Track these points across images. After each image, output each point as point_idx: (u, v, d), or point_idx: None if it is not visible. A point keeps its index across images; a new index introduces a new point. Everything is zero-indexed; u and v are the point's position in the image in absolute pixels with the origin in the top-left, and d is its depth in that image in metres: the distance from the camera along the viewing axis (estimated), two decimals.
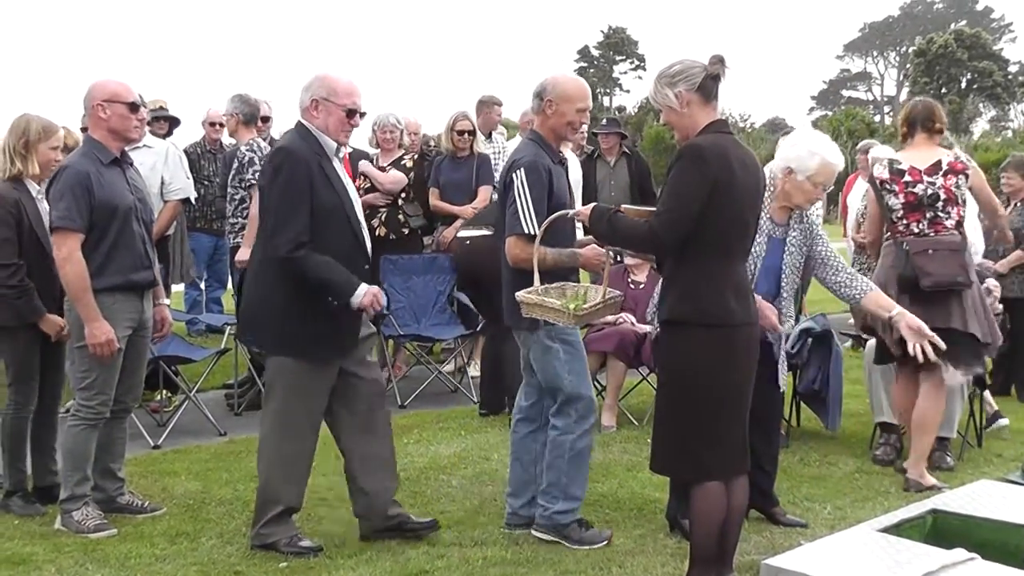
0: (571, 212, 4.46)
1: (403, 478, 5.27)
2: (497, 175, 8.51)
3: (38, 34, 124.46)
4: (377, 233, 8.60)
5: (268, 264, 4.58)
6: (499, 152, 8.88)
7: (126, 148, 6.21)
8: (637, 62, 73.44)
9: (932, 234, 5.80)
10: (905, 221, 5.86)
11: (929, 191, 5.83)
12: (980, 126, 56.84)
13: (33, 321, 5.13)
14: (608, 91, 72.35)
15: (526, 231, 4.60)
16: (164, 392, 7.48)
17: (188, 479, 5.77)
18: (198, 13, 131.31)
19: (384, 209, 8.55)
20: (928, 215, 5.83)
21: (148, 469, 5.96)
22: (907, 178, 5.87)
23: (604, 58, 73.53)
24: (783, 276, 5.02)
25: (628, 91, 72.38)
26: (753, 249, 4.85)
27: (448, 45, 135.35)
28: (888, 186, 5.92)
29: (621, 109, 61.37)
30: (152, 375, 7.27)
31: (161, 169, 7.46)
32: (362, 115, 4.75)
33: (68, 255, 4.74)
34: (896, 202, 5.88)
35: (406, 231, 8.53)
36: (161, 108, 8.89)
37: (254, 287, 4.70)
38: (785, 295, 5.06)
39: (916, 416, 5.86)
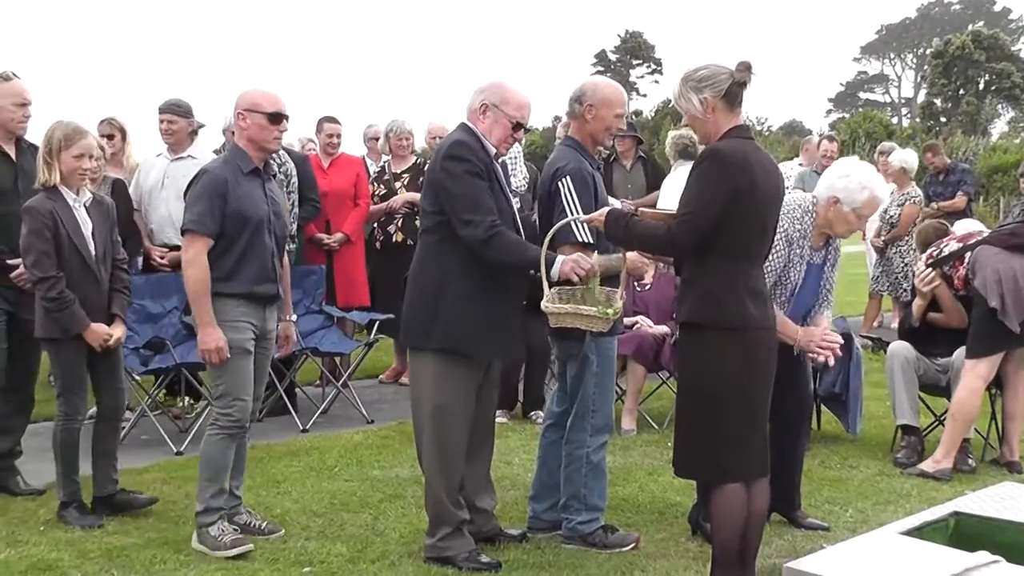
0: (583, 217, 4.44)
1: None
2: (514, 180, 8.58)
3: (66, 42, 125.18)
4: (395, 239, 8.67)
5: (436, 261, 4.50)
6: (516, 157, 8.93)
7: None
8: (654, 66, 73.31)
9: None
10: (972, 241, 6.28)
11: (971, 229, 6.57)
12: (998, 128, 56.59)
13: (77, 332, 5.09)
14: None
15: (580, 239, 4.58)
16: (186, 399, 7.53)
17: None
18: (219, 20, 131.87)
19: (400, 215, 8.62)
20: (984, 234, 6.36)
21: (171, 475, 5.98)
22: (947, 238, 6.54)
23: (621, 62, 73.38)
24: (818, 300, 5.07)
25: (645, 95, 72.17)
26: (789, 275, 4.86)
27: (466, 50, 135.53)
28: (937, 248, 6.44)
29: (638, 113, 61.22)
30: (173, 382, 7.34)
31: None
32: (527, 130, 4.72)
33: (192, 258, 4.67)
34: (952, 247, 6.36)
35: None
36: None
37: (420, 286, 4.57)
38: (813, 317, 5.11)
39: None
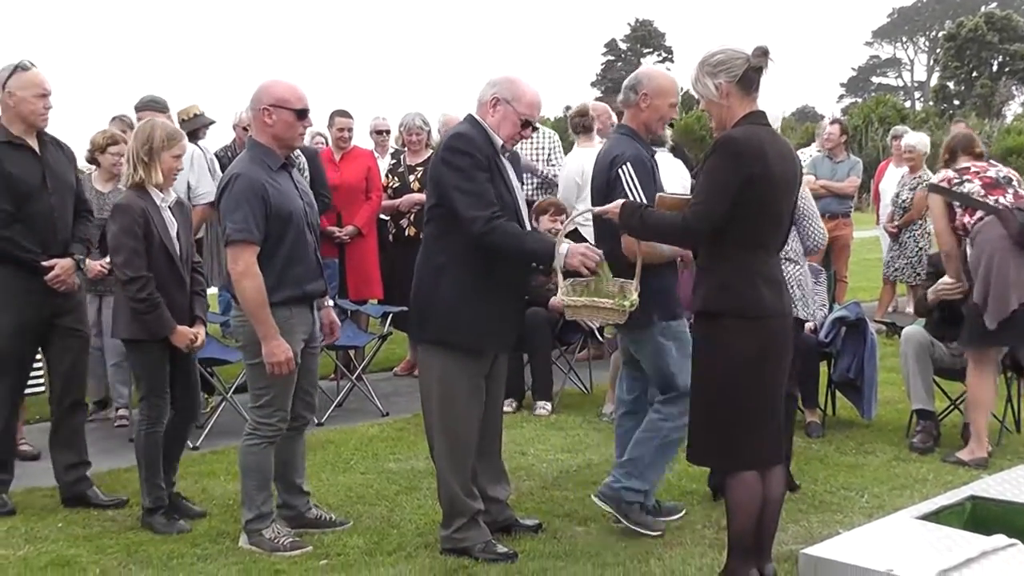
0: (597, 209, 4.41)
1: None
2: (543, 166, 8.62)
3: (72, 38, 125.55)
4: (407, 233, 8.68)
5: (435, 254, 4.51)
6: (553, 145, 8.95)
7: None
8: (664, 55, 73.14)
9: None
10: (992, 197, 5.94)
11: (1001, 174, 6.08)
12: (1013, 109, 56.24)
13: (164, 336, 5.00)
14: None
15: None
16: (201, 394, 7.54)
17: (227, 480, 5.80)
18: (228, 14, 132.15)
19: (413, 212, 8.64)
20: (1009, 191, 5.96)
21: (187, 470, 5.99)
22: (974, 169, 6.08)
23: (631, 51, 73.22)
24: None
25: None
26: None
27: (476, 40, 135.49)
28: (958, 178, 6.06)
29: None
30: None
31: (187, 174, 7.42)
32: (534, 128, 4.71)
33: (245, 269, 4.47)
34: (973, 187, 6.00)
35: None
36: (197, 116, 8.88)
37: (418, 279, 4.58)
38: None
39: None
